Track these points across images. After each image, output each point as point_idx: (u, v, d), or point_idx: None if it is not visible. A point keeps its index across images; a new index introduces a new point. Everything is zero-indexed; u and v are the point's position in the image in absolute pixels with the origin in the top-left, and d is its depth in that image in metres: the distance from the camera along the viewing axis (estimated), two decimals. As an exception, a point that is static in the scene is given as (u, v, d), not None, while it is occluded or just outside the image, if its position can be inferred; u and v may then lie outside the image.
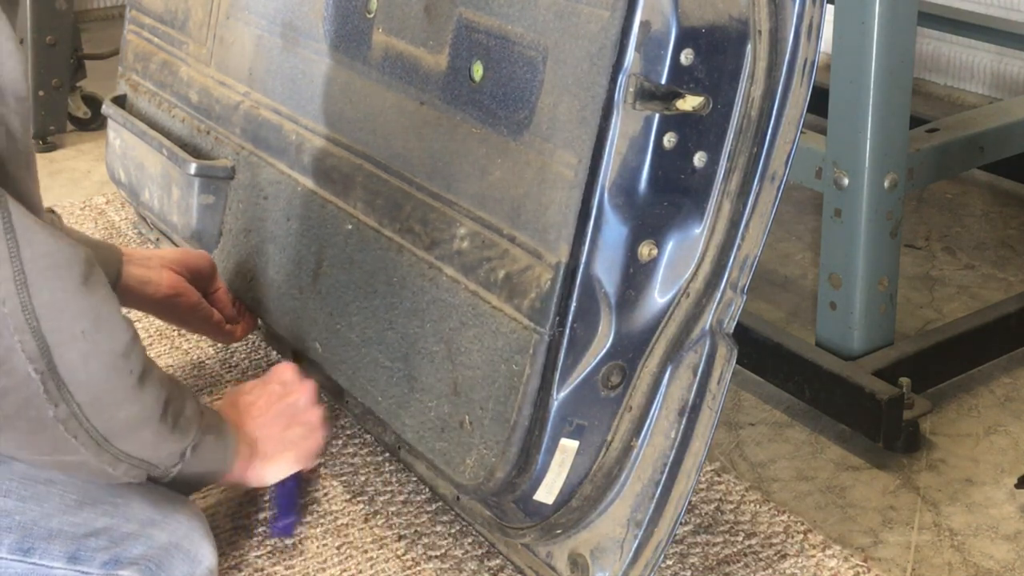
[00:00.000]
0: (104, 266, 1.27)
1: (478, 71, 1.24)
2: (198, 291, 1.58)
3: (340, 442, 1.56)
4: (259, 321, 1.68)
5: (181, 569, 1.17)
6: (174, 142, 1.79)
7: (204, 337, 1.75)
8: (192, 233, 1.73)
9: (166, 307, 1.55)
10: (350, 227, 1.42)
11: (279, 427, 1.33)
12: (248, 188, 1.64)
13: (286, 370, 1.40)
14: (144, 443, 1.11)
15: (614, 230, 1.12)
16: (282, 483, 1.37)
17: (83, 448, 1.06)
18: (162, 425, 1.11)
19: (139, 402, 1.08)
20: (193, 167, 1.71)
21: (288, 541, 1.37)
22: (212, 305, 1.60)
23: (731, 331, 1.16)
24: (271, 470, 1.32)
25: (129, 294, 1.51)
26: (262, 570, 1.34)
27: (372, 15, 1.40)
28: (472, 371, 1.21)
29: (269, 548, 1.37)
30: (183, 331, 1.80)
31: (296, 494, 1.42)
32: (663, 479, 1.16)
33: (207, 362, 1.76)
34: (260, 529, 1.40)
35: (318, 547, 1.37)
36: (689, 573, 1.33)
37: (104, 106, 2.01)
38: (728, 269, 1.15)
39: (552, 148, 1.14)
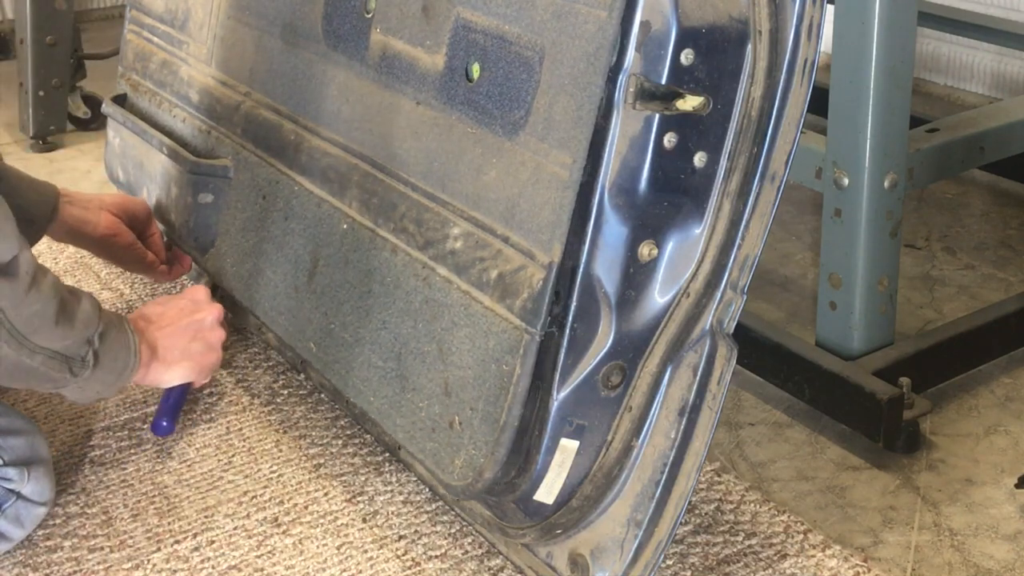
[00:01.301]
0: (39, 204, 1.63)
1: (475, 71, 1.24)
2: (134, 234, 1.75)
3: (340, 442, 1.56)
4: (193, 264, 1.85)
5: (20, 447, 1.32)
6: (174, 141, 1.79)
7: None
8: (190, 232, 1.74)
9: (103, 246, 1.74)
10: (345, 227, 1.42)
11: (183, 338, 1.48)
12: (247, 187, 1.64)
13: (199, 291, 1.56)
14: (51, 336, 1.26)
15: (614, 230, 1.12)
16: (172, 389, 1.54)
17: (4, 344, 1.23)
18: (61, 318, 1.26)
19: (38, 301, 1.24)
20: (191, 165, 1.71)
21: (168, 438, 1.56)
22: (148, 248, 1.78)
23: (731, 331, 1.16)
24: (169, 374, 1.47)
25: (67, 232, 1.70)
26: (262, 570, 1.34)
27: (370, 15, 1.40)
28: (463, 371, 1.21)
29: (269, 548, 1.37)
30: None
31: (181, 402, 1.58)
32: (663, 479, 1.16)
33: (207, 362, 1.76)
34: (260, 529, 1.40)
35: (318, 547, 1.37)
36: (689, 573, 1.33)
37: (104, 105, 2.01)
38: (728, 269, 1.15)
39: (547, 148, 1.14)
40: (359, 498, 1.46)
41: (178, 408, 1.58)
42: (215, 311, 1.54)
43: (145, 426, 1.60)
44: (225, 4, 1.72)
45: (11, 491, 1.33)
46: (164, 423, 1.55)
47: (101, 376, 1.34)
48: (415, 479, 1.48)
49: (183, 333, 1.49)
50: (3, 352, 1.24)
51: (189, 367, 1.49)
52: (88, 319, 1.30)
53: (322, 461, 1.52)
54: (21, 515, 1.35)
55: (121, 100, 2.00)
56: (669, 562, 1.34)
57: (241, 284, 1.63)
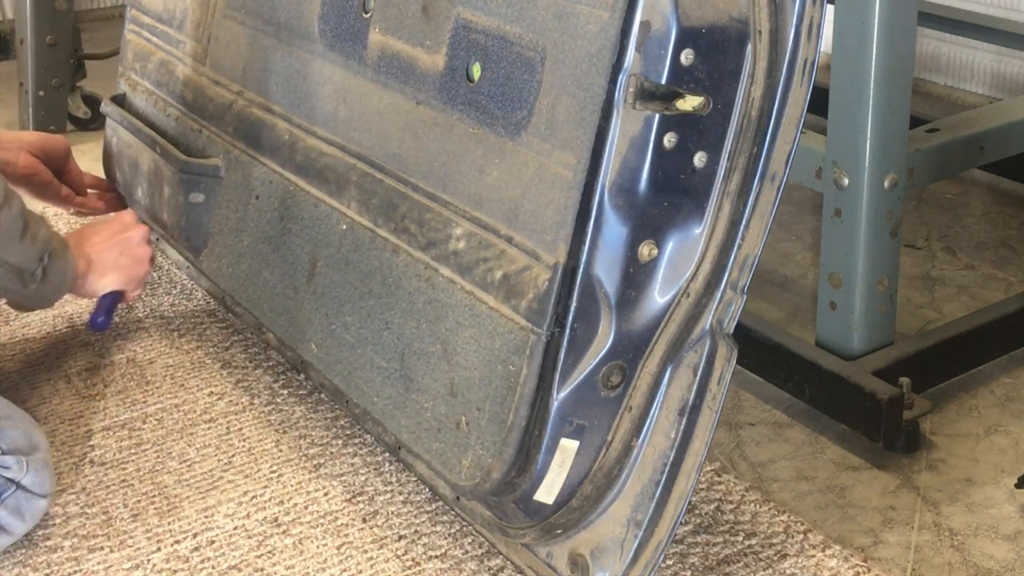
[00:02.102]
0: None
1: (476, 71, 1.24)
2: (53, 170, 1.90)
3: (340, 442, 1.56)
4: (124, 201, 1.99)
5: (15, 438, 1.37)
6: (168, 141, 1.79)
7: (203, 335, 1.80)
8: (181, 231, 1.74)
9: (23, 183, 1.88)
10: (345, 227, 1.42)
11: (113, 253, 1.71)
12: (239, 187, 1.64)
13: (127, 214, 1.78)
14: (15, 251, 1.47)
15: (614, 230, 1.11)
16: (106, 295, 1.74)
17: None
18: (25, 235, 1.47)
19: (8, 220, 1.44)
20: (181, 164, 1.71)
21: (102, 334, 1.80)
22: (66, 183, 1.94)
23: (731, 331, 1.16)
24: (102, 283, 1.70)
25: None
26: (262, 570, 1.34)
27: (369, 15, 1.40)
28: (469, 372, 1.21)
29: (269, 548, 1.37)
30: (181, 330, 1.83)
31: (115, 305, 1.78)
32: (663, 479, 1.16)
33: (207, 361, 1.76)
34: (260, 529, 1.40)
35: (318, 547, 1.37)
36: (689, 573, 1.33)
37: (103, 104, 2.01)
38: (728, 269, 1.14)
39: (550, 148, 1.14)
40: (359, 498, 1.46)
41: (112, 308, 1.78)
42: (141, 230, 1.74)
43: (146, 425, 1.60)
44: (222, 3, 1.72)
45: (10, 480, 1.33)
46: (100, 319, 1.75)
47: (44, 289, 1.55)
48: (415, 479, 1.48)
49: (113, 248, 1.71)
50: None
51: (119, 277, 1.72)
52: (45, 239, 1.51)
53: (322, 461, 1.52)
54: (22, 506, 1.35)
55: (120, 100, 2.00)
56: (669, 562, 1.34)
57: (239, 285, 1.63)
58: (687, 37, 1.08)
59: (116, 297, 1.76)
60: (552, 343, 1.14)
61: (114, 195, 2.03)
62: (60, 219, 2.21)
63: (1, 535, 1.34)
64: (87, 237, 1.70)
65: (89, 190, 2.00)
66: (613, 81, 1.08)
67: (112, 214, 1.78)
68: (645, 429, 1.17)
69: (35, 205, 1.86)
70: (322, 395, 1.66)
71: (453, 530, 1.40)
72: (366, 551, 1.37)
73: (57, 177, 1.91)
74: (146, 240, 1.75)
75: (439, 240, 1.27)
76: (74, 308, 1.91)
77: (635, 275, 1.14)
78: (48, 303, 1.61)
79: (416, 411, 1.27)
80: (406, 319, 1.30)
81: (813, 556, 1.35)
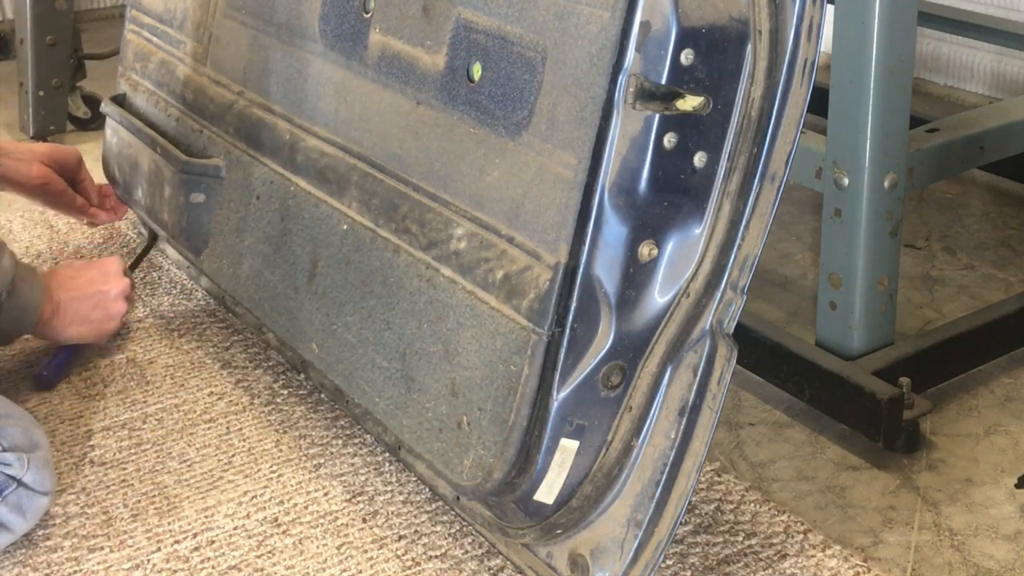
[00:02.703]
0: None
1: (476, 71, 1.24)
2: (66, 181, 1.90)
3: (340, 442, 1.56)
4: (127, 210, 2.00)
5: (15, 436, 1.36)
6: (168, 141, 1.79)
7: (203, 335, 1.81)
8: (182, 232, 1.74)
9: (37, 193, 1.89)
10: (345, 227, 1.42)
11: (85, 305, 1.64)
12: (240, 187, 1.64)
13: (112, 263, 1.70)
14: None
15: (614, 230, 1.12)
16: (64, 347, 1.69)
17: None
18: None
19: None
20: (182, 165, 1.71)
21: (51, 393, 1.67)
22: (79, 193, 1.93)
23: (731, 331, 1.16)
24: (65, 334, 1.64)
25: (6, 182, 1.86)
26: (262, 570, 1.34)
27: (369, 15, 1.40)
28: (470, 372, 1.21)
29: (269, 548, 1.37)
30: (181, 330, 1.83)
31: (70, 361, 1.71)
32: (663, 479, 1.16)
33: (207, 361, 1.76)
34: (260, 529, 1.40)
35: (318, 547, 1.37)
36: (689, 573, 1.33)
37: (103, 104, 2.01)
38: (728, 269, 1.15)
39: (551, 149, 1.14)
40: (359, 498, 1.46)
41: (64, 364, 1.71)
42: (121, 285, 1.68)
43: (146, 425, 1.60)
44: (222, 3, 1.72)
45: (11, 477, 1.33)
46: (45, 373, 1.68)
47: (1, 326, 1.51)
48: (415, 479, 1.48)
49: (86, 301, 1.64)
50: None
51: (85, 331, 1.66)
52: (3, 273, 1.46)
53: (322, 461, 1.52)
54: (23, 504, 1.35)
55: (120, 100, 2.00)
56: (669, 562, 1.34)
57: (239, 285, 1.63)
58: (687, 37, 1.08)
59: (71, 352, 1.70)
60: (552, 343, 1.14)
61: (123, 211, 2.03)
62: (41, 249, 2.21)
63: (2, 533, 1.34)
64: (63, 282, 1.64)
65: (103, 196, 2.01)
66: (613, 81, 1.08)
67: (97, 260, 1.73)
68: (645, 429, 1.17)
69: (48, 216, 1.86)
70: (322, 395, 1.66)
71: (453, 530, 1.40)
72: (366, 551, 1.37)
73: (71, 187, 1.92)
74: (124, 295, 1.69)
75: (440, 240, 1.27)
76: (74, 308, 1.91)
77: (635, 275, 1.14)
78: (4, 342, 1.57)
79: (417, 411, 1.27)
80: (407, 319, 1.30)
81: (813, 556, 1.35)
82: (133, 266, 2.01)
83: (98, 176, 2.03)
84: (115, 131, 1.98)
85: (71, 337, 1.65)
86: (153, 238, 2.04)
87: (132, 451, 1.55)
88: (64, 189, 1.89)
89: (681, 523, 1.28)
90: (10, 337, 1.55)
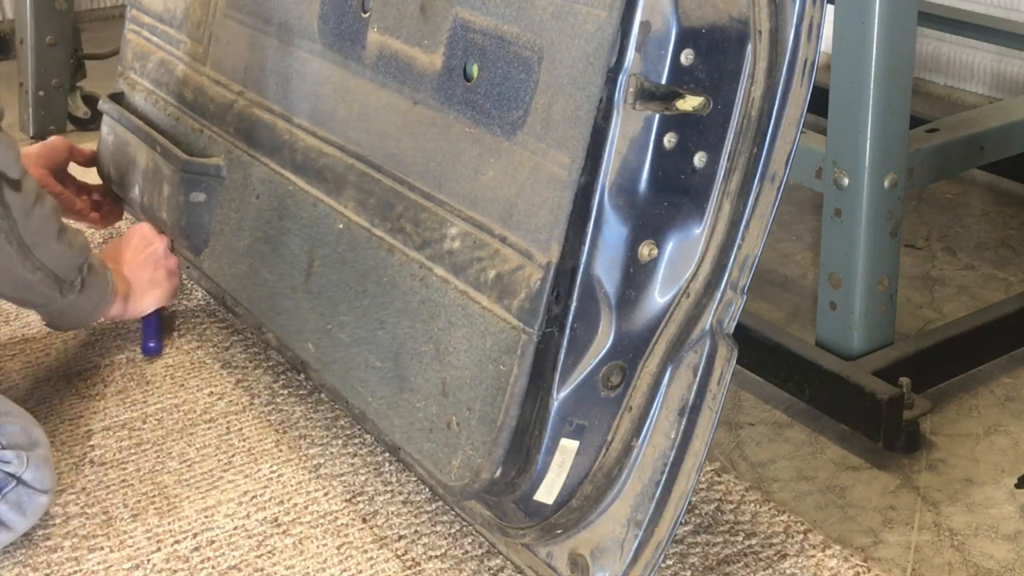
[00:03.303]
0: None
1: (473, 71, 1.24)
2: (61, 177, 1.90)
3: (340, 442, 1.56)
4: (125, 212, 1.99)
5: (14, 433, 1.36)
6: (168, 140, 1.79)
7: (203, 335, 1.82)
8: (182, 231, 1.74)
9: None
10: (341, 226, 1.42)
11: (147, 270, 1.70)
12: (240, 187, 1.64)
13: (144, 227, 1.76)
14: (51, 252, 1.43)
15: (614, 230, 1.11)
16: (149, 316, 1.75)
17: (14, 253, 1.39)
18: (62, 236, 1.45)
19: (41, 216, 1.41)
20: (183, 164, 1.71)
21: (156, 361, 1.75)
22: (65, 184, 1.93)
23: (731, 331, 1.16)
24: (145, 303, 1.69)
25: None
26: (262, 570, 1.34)
27: (367, 15, 1.40)
28: (460, 371, 1.21)
29: (269, 548, 1.37)
30: (181, 330, 1.83)
31: (161, 325, 1.78)
32: (663, 479, 1.16)
33: (207, 361, 1.76)
34: (260, 529, 1.40)
35: (318, 547, 1.37)
36: (689, 573, 1.33)
37: (100, 102, 2.01)
38: (728, 269, 1.14)
39: (545, 148, 1.14)
40: (359, 498, 1.46)
41: (160, 330, 1.77)
42: (164, 241, 1.74)
43: (146, 425, 1.60)
44: (222, 3, 1.72)
45: (11, 475, 1.33)
46: (152, 344, 1.75)
47: (83, 303, 1.52)
48: (415, 479, 1.48)
49: (146, 265, 1.70)
50: (11, 262, 1.40)
51: (160, 293, 1.71)
52: (82, 247, 1.50)
53: (322, 461, 1.52)
54: (23, 502, 1.35)
55: (118, 98, 2.00)
56: (669, 562, 1.34)
57: (238, 284, 1.63)
58: (687, 37, 1.08)
59: (159, 316, 1.77)
60: (550, 343, 1.13)
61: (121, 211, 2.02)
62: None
63: (2, 531, 1.34)
64: (117, 257, 1.69)
65: (95, 196, 1.99)
66: (613, 81, 1.08)
67: (126, 231, 1.76)
68: (645, 429, 1.17)
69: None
70: (322, 395, 1.66)
71: (453, 530, 1.40)
72: (366, 551, 1.37)
73: (60, 180, 1.90)
74: (170, 248, 1.75)
75: (434, 240, 1.27)
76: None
77: (635, 275, 1.14)
78: (87, 320, 1.58)
79: (409, 411, 1.27)
80: (400, 319, 1.30)
81: (813, 556, 1.35)
82: None
83: (98, 176, 2.03)
84: (112, 129, 1.97)
85: (150, 306, 1.70)
86: None
87: (132, 451, 1.55)
88: (61, 191, 1.89)
89: (681, 523, 1.28)
90: (91, 316, 1.57)
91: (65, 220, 1.49)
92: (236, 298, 1.65)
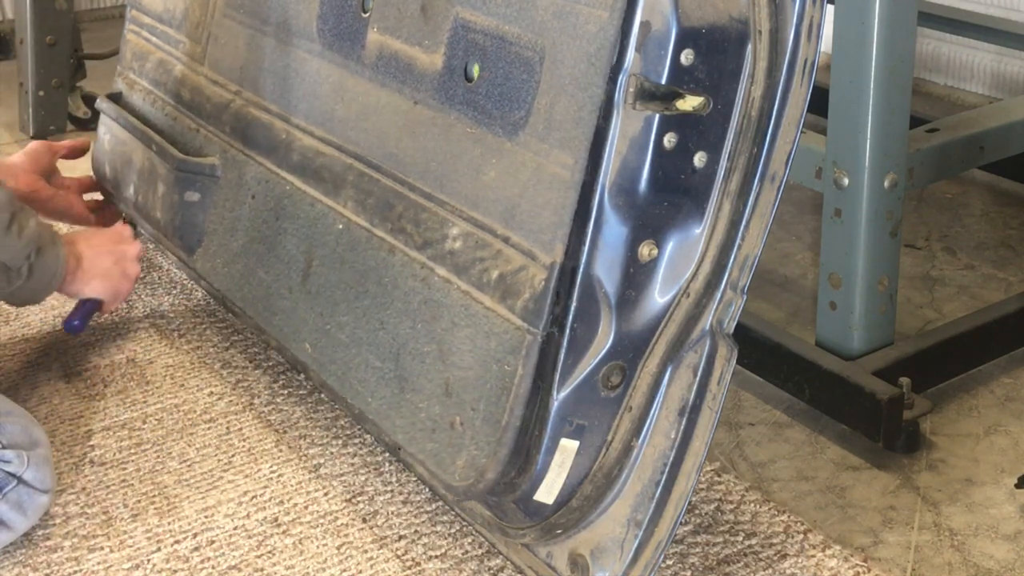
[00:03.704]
0: None
1: (474, 71, 1.24)
2: (45, 178, 1.90)
3: (340, 442, 1.56)
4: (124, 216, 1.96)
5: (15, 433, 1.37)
6: (164, 139, 1.79)
7: (203, 335, 1.83)
8: (175, 230, 1.74)
9: (28, 204, 1.83)
10: (341, 227, 1.42)
11: (106, 260, 1.70)
12: (235, 186, 1.64)
13: (125, 228, 1.78)
14: (1, 246, 1.45)
15: (614, 230, 1.11)
16: (87, 300, 1.72)
17: None
18: (12, 227, 1.46)
19: None
20: (178, 163, 1.71)
21: (77, 334, 1.78)
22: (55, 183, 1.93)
23: (731, 331, 1.16)
24: (89, 286, 1.68)
25: None
26: (262, 570, 1.34)
27: (367, 14, 1.40)
28: (464, 372, 1.20)
29: (269, 548, 1.37)
30: (181, 330, 1.83)
31: (92, 313, 1.75)
32: (663, 479, 1.16)
33: (207, 361, 1.76)
34: (260, 529, 1.40)
35: (318, 547, 1.37)
36: (689, 573, 1.33)
37: (98, 101, 2.01)
38: (728, 269, 1.14)
39: (548, 148, 1.14)
40: (359, 498, 1.46)
41: (89, 315, 1.74)
42: (137, 247, 1.75)
43: (146, 425, 1.60)
44: (221, 3, 1.72)
45: (11, 474, 1.33)
46: (76, 322, 1.72)
47: (32, 286, 1.54)
48: (415, 479, 1.48)
49: (108, 256, 1.70)
50: None
51: (106, 285, 1.70)
52: (32, 235, 1.50)
53: (322, 461, 1.52)
54: (23, 502, 1.35)
55: (116, 98, 2.00)
56: (669, 562, 1.34)
57: (233, 284, 1.63)
58: (687, 37, 1.08)
59: (95, 305, 1.74)
60: (551, 343, 1.13)
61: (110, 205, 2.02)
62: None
63: (2, 531, 1.34)
64: (85, 237, 1.70)
65: (86, 195, 2.00)
66: (613, 81, 1.08)
67: (109, 228, 1.78)
68: (645, 429, 1.17)
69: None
70: (322, 395, 1.66)
71: (453, 530, 1.40)
72: (366, 551, 1.37)
73: (49, 181, 1.91)
74: (139, 258, 1.75)
75: (435, 240, 1.27)
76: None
77: (635, 275, 1.14)
78: (36, 300, 1.60)
79: (411, 411, 1.27)
80: (401, 319, 1.30)
81: (813, 556, 1.35)
82: None
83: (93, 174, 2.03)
84: (109, 128, 1.98)
85: (94, 290, 1.69)
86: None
87: (132, 451, 1.55)
88: (54, 194, 1.90)
89: (681, 523, 1.28)
90: (40, 295, 1.58)
91: (23, 204, 1.51)
92: (230, 298, 1.65)
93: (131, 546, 1.38)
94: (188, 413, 1.63)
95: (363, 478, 1.49)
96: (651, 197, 1.12)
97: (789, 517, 1.41)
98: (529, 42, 1.17)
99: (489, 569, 1.34)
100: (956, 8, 2.60)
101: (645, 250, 1.13)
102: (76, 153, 2.02)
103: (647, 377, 1.17)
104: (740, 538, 1.38)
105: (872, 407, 1.51)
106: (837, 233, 1.62)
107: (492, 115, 1.21)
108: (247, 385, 1.69)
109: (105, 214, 2.00)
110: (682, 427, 1.15)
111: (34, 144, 1.93)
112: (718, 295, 1.15)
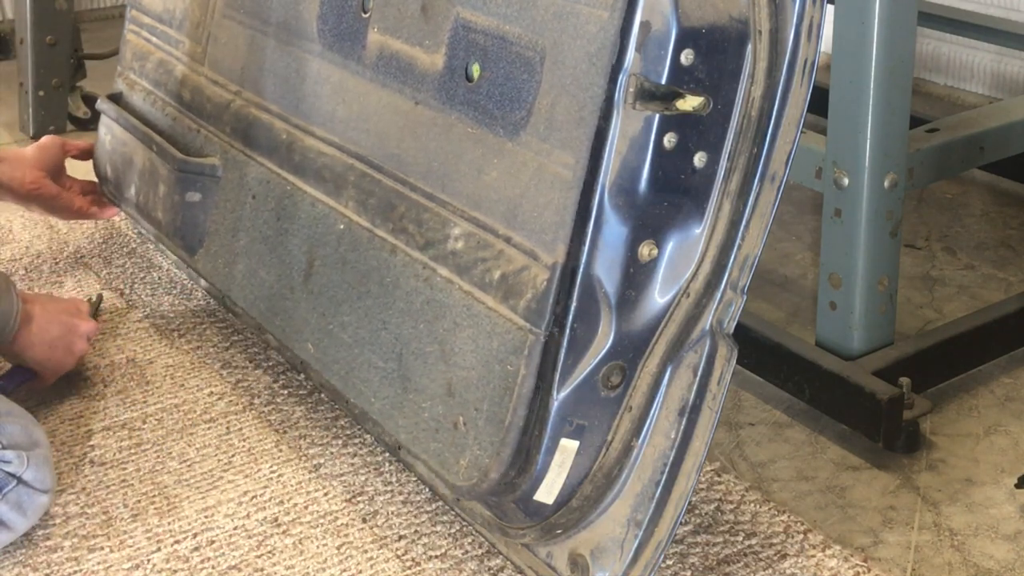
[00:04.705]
0: None
1: (475, 71, 1.24)
2: (58, 176, 1.91)
3: (340, 442, 1.56)
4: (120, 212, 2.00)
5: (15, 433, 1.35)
6: (164, 139, 1.79)
7: (203, 335, 1.83)
8: (176, 231, 1.74)
9: (31, 199, 1.90)
10: (342, 227, 1.42)
11: (56, 329, 1.60)
12: (236, 187, 1.64)
13: (82, 303, 1.68)
14: None
15: (614, 230, 1.12)
16: (23, 369, 1.60)
17: None
18: None
19: None
20: (179, 163, 1.71)
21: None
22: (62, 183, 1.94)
23: (731, 331, 1.16)
24: (30, 351, 1.57)
25: (2, 188, 1.88)
26: (262, 570, 1.34)
27: (368, 14, 1.40)
28: (466, 372, 1.21)
29: (269, 548, 1.37)
30: (181, 330, 1.83)
31: (24, 383, 1.61)
32: (663, 479, 1.16)
33: (207, 361, 1.76)
34: (260, 529, 1.40)
35: (318, 547, 1.37)
36: (689, 573, 1.33)
37: (98, 102, 2.01)
38: (728, 269, 1.15)
39: (549, 148, 1.14)
40: (359, 498, 1.46)
41: (20, 385, 1.61)
42: (90, 325, 1.65)
43: (146, 425, 1.60)
44: (221, 3, 1.72)
45: (11, 475, 1.33)
46: (2, 383, 1.59)
47: None
48: (415, 479, 1.48)
49: (57, 325, 1.60)
50: None
51: (48, 356, 1.59)
52: None
53: (322, 461, 1.52)
54: (23, 502, 1.35)
55: (116, 98, 2.00)
56: (669, 562, 1.34)
57: (235, 285, 1.63)
58: (687, 37, 1.08)
59: (29, 377, 1.62)
60: (552, 343, 1.14)
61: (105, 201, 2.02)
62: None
63: (2, 531, 1.34)
64: (41, 300, 1.61)
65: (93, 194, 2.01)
66: (613, 81, 1.08)
67: (67, 298, 1.69)
68: (645, 429, 1.17)
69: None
70: (322, 395, 1.66)
71: (453, 530, 1.40)
72: (366, 551, 1.37)
73: (57, 179, 1.92)
74: (88, 337, 1.66)
75: (437, 240, 1.27)
76: (74, 308, 1.91)
77: (635, 275, 1.14)
78: None
79: (413, 411, 1.27)
80: (404, 319, 1.30)
81: (813, 556, 1.35)
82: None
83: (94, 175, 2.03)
84: (109, 129, 1.98)
85: (35, 357, 1.58)
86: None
87: (132, 451, 1.55)
88: (58, 192, 1.90)
89: (681, 523, 1.28)
90: None
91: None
92: (232, 298, 1.65)
93: (131, 546, 1.38)
94: (188, 413, 1.63)
95: (363, 478, 1.49)
96: (651, 197, 1.12)
97: (789, 517, 1.41)
98: (530, 42, 1.17)
99: (489, 569, 1.34)
100: (956, 8, 2.60)
101: (645, 250, 1.13)
102: (87, 156, 2.02)
103: (647, 377, 1.17)
104: (740, 538, 1.38)
105: (872, 407, 1.51)
106: (837, 233, 1.62)
107: (493, 115, 1.21)
108: (247, 385, 1.70)
109: (107, 210, 2.01)
110: (682, 427, 1.16)
111: (47, 139, 1.94)
112: (718, 295, 1.15)
